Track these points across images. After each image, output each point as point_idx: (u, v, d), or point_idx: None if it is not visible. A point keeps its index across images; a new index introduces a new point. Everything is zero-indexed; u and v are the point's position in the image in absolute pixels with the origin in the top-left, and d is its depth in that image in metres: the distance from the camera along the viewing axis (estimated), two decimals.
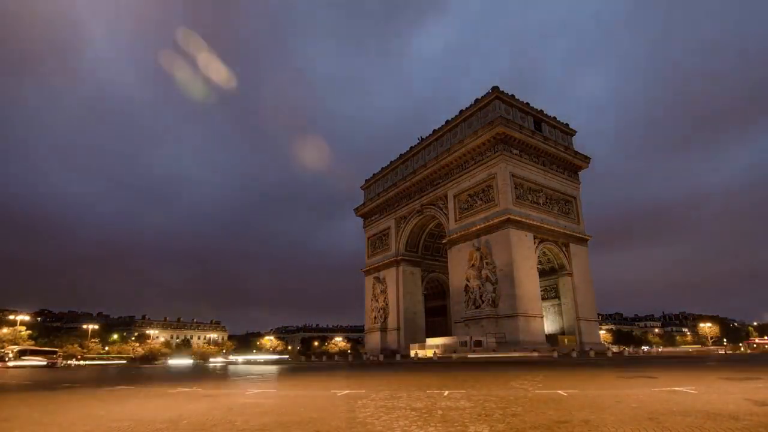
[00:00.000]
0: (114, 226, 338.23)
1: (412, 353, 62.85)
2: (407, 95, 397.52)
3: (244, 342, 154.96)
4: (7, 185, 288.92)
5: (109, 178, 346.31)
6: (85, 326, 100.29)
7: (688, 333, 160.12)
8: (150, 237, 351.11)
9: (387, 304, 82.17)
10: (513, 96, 65.70)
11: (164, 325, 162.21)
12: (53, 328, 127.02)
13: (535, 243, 60.25)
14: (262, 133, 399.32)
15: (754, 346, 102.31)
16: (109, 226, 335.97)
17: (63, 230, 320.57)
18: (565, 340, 59.26)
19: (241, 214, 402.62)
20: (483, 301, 58.83)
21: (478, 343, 54.80)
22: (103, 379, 29.68)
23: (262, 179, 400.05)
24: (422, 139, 78.48)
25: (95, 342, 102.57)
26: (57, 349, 69.68)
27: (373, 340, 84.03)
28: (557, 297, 64.60)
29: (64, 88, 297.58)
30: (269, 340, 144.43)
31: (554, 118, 70.68)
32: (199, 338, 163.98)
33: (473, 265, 60.91)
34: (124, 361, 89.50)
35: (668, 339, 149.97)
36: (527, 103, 66.96)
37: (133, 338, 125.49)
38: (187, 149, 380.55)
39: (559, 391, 13.21)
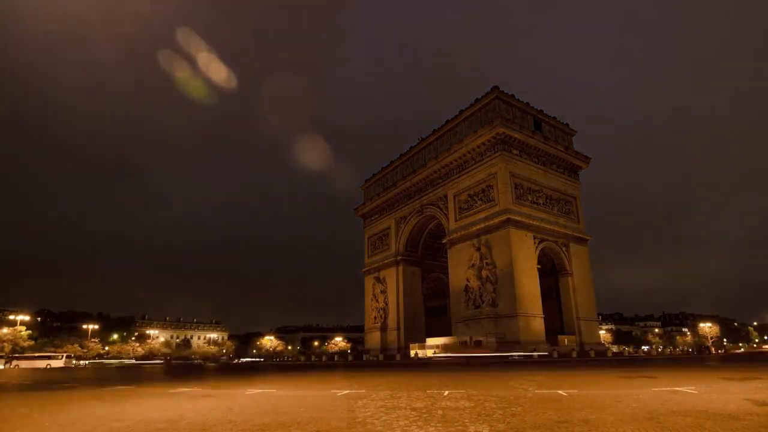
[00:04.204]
0: (115, 225, 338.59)
1: (412, 353, 62.82)
2: None
3: (245, 342, 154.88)
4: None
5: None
6: (85, 326, 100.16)
7: (688, 333, 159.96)
8: (150, 236, 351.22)
9: (387, 304, 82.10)
10: (513, 96, 65.64)
11: (164, 325, 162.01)
12: (53, 328, 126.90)
13: (535, 243, 60.20)
14: (261, 134, 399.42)
15: None
16: (109, 224, 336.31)
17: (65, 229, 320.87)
18: (565, 340, 59.22)
19: (242, 213, 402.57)
20: (483, 301, 58.80)
21: (478, 343, 54.78)
22: (103, 379, 29.66)
23: (262, 178, 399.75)
24: (422, 139, 78.42)
25: (95, 342, 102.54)
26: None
27: (373, 339, 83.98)
28: (557, 297, 64.56)
29: None
30: (269, 340, 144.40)
31: (554, 118, 70.64)
32: (199, 338, 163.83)
33: (473, 265, 60.86)
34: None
35: (668, 339, 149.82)
36: (527, 103, 66.92)
37: (133, 338, 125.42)
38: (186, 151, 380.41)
39: (559, 391, 13.21)
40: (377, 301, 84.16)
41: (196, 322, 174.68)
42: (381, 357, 70.23)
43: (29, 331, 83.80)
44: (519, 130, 62.52)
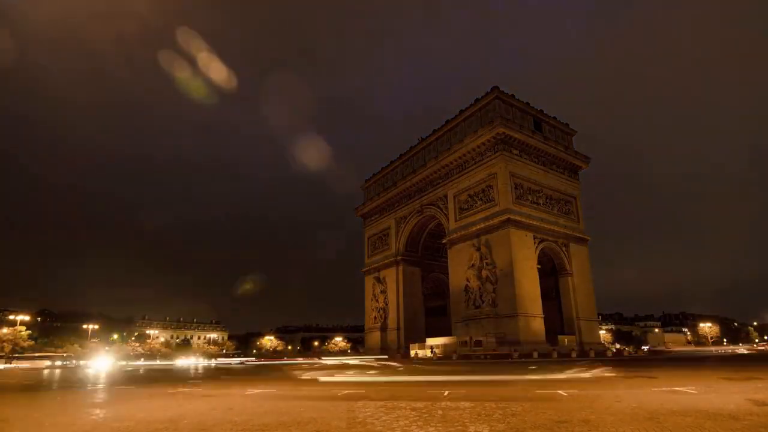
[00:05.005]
0: (115, 225, 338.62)
1: (412, 353, 62.81)
2: None
3: (244, 342, 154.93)
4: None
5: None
6: (85, 326, 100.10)
7: (689, 333, 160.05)
8: (150, 236, 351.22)
9: (387, 304, 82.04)
10: (513, 96, 65.54)
11: (164, 325, 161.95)
12: (53, 328, 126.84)
13: (535, 243, 60.15)
14: (262, 130, 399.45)
15: None
16: (109, 224, 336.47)
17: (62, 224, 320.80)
18: (565, 340, 59.19)
19: (240, 214, 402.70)
20: (483, 301, 58.76)
21: (478, 343, 54.77)
22: (103, 378, 29.64)
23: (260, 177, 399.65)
24: (422, 139, 78.36)
25: (95, 342, 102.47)
26: None
27: (373, 339, 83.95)
28: (557, 297, 64.53)
29: None
30: (269, 340, 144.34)
31: (554, 118, 70.54)
32: (199, 338, 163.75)
33: (473, 265, 60.83)
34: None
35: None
36: (527, 103, 66.84)
37: (133, 338, 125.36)
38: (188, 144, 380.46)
39: (559, 391, 13.22)
40: (377, 301, 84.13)
41: (196, 322, 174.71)
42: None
43: (29, 331, 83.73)
44: (519, 130, 62.46)
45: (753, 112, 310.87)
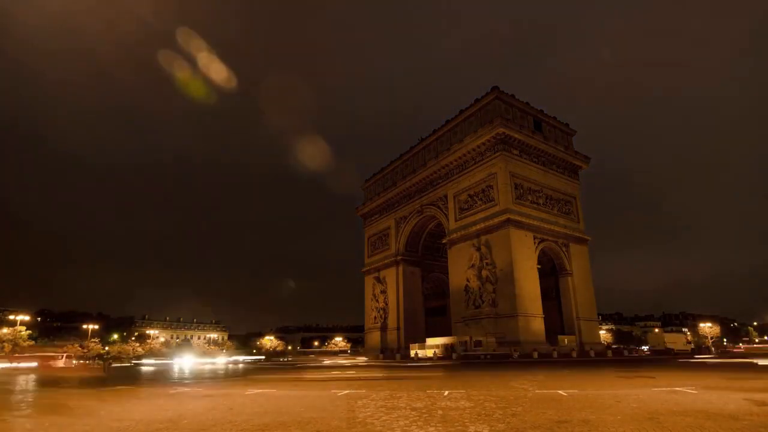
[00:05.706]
0: (114, 225, 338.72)
1: (412, 353, 62.74)
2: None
3: (245, 342, 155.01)
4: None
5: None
6: (85, 326, 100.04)
7: (689, 333, 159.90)
8: (150, 236, 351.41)
9: (387, 304, 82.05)
10: (513, 96, 65.58)
11: (164, 325, 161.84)
12: (53, 328, 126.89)
13: (535, 243, 60.18)
14: (261, 130, 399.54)
15: None
16: (108, 224, 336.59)
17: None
18: (565, 340, 59.21)
19: (242, 213, 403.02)
20: (483, 301, 58.78)
21: (478, 343, 54.74)
22: (104, 378, 29.66)
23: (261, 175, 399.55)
24: (422, 139, 78.36)
25: (95, 342, 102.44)
26: None
27: (373, 339, 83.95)
28: (557, 297, 64.55)
29: None
30: (269, 340, 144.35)
31: (554, 118, 70.57)
32: (199, 338, 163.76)
33: (473, 265, 60.84)
34: None
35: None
36: (527, 103, 66.86)
37: (133, 338, 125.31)
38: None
39: (559, 391, 13.22)
40: (377, 301, 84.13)
41: (196, 322, 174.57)
42: (381, 357, 70.25)
43: (29, 331, 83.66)
44: (519, 130, 62.47)
45: (756, 104, 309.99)
